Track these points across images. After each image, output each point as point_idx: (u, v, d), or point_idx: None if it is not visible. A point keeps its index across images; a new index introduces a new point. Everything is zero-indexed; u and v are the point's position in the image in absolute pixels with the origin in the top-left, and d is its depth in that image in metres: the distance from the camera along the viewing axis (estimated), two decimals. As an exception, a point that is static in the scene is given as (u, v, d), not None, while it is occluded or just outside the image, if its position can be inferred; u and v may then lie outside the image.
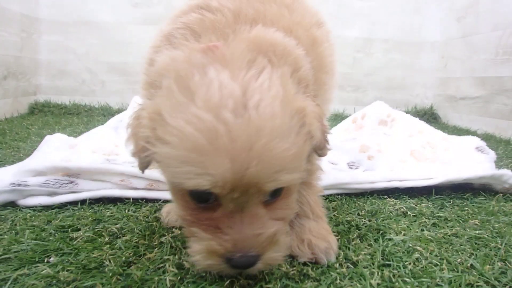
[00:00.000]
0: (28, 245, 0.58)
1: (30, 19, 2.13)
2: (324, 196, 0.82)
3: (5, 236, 0.61)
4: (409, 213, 0.75)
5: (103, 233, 0.63)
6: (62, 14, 2.21)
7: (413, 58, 2.39)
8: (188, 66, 0.45)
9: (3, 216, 0.69)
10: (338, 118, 2.00)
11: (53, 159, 0.86)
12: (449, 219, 0.73)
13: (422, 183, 0.85)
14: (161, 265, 0.53)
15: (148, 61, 0.58)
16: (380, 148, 1.04)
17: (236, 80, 0.42)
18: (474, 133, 1.84)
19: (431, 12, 2.38)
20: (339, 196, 0.85)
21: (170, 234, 0.63)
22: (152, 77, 0.52)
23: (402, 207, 0.77)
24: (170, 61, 0.48)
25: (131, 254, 0.56)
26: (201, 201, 0.45)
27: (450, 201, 0.83)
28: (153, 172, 0.82)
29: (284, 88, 0.45)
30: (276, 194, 0.47)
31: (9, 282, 0.48)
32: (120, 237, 0.62)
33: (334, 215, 0.73)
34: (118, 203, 0.78)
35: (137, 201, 0.79)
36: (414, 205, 0.79)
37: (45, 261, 0.54)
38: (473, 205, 0.81)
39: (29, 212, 0.71)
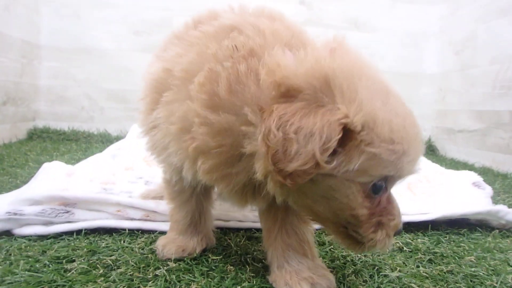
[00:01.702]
0: (22, 277, 0.59)
1: (31, 45, 2.21)
2: (320, 230, 0.83)
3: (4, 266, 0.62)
4: (405, 248, 0.76)
5: (97, 265, 0.64)
6: (63, 40, 2.29)
7: (411, 90, 2.46)
8: (350, 61, 0.48)
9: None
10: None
11: (50, 188, 0.88)
12: (445, 255, 0.74)
13: (418, 218, 0.87)
14: (155, 299, 0.54)
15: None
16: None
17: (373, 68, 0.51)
18: (471, 167, 1.87)
19: (430, 45, 2.47)
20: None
21: (165, 267, 0.64)
22: (292, 81, 0.46)
23: (398, 242, 0.79)
24: (317, 59, 0.47)
25: (125, 287, 0.57)
26: (378, 192, 0.50)
27: (446, 237, 0.84)
28: (149, 203, 0.85)
29: None
30: None
31: (2, 315, 0.49)
32: (114, 269, 0.63)
33: (330, 250, 0.74)
34: (113, 234, 0.79)
35: (133, 232, 0.80)
36: (410, 240, 0.80)
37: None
38: (469, 241, 0.82)
39: (24, 242, 0.73)
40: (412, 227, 0.88)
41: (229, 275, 0.62)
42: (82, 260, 0.65)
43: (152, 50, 0.66)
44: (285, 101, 0.45)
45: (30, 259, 0.65)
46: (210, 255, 0.70)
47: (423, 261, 0.71)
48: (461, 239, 0.84)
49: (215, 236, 0.76)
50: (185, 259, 0.68)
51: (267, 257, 0.63)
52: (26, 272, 0.60)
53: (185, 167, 0.56)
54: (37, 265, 0.63)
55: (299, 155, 0.42)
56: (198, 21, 0.60)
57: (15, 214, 0.77)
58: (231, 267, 0.65)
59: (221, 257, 0.69)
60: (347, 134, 0.44)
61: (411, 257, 0.73)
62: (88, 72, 2.32)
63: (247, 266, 0.66)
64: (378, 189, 0.50)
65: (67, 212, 0.81)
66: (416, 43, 2.48)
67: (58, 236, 0.77)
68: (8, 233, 0.76)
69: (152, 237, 0.78)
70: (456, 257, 0.73)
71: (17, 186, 1.09)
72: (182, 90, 0.53)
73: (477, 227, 0.90)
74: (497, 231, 0.89)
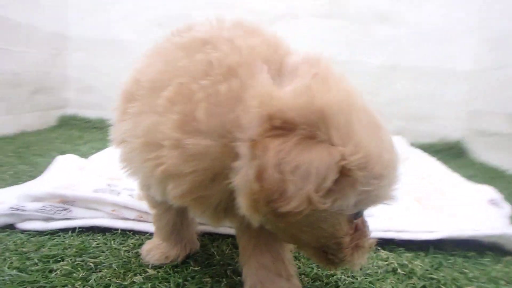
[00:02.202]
0: (8, 275, 0.62)
1: (60, 36, 2.32)
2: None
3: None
4: (399, 270, 0.72)
5: (81, 267, 0.66)
6: (90, 32, 2.39)
7: (441, 88, 2.31)
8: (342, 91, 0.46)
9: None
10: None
11: (53, 185, 0.92)
12: (442, 282, 0.69)
13: (421, 237, 0.82)
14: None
15: None
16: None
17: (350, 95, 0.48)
18: (502, 173, 1.73)
19: (462, 41, 2.29)
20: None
21: (143, 274, 0.65)
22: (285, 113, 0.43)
23: (393, 263, 0.75)
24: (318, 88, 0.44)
25: (101, 293, 0.58)
26: (357, 217, 0.51)
27: (450, 259, 0.79)
28: (143, 204, 0.86)
29: None
30: None
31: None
32: (96, 272, 0.65)
33: (316, 267, 0.72)
34: (106, 234, 0.81)
35: (125, 232, 0.82)
36: (407, 262, 0.76)
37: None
38: (475, 267, 0.77)
39: (21, 238, 0.76)
40: (415, 245, 0.83)
41: (203, 288, 0.62)
42: (69, 261, 0.68)
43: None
44: (278, 135, 0.42)
45: (22, 256, 0.69)
46: (191, 263, 0.70)
47: (416, 287, 0.67)
48: (466, 263, 0.78)
49: (200, 241, 0.76)
50: (165, 266, 0.68)
51: (242, 275, 0.61)
52: (14, 271, 0.63)
53: (152, 187, 0.55)
54: (27, 263, 0.66)
55: (295, 197, 0.40)
56: (176, 33, 0.59)
57: (17, 209, 0.81)
58: (209, 278, 0.65)
59: (201, 267, 0.69)
60: (342, 172, 0.42)
61: (403, 281, 0.69)
62: (114, 63, 2.38)
63: (224, 279, 0.65)
64: (357, 215, 0.51)
65: (65, 209, 0.84)
66: (447, 39, 2.31)
67: (55, 232, 0.80)
68: (11, 227, 0.81)
69: (142, 239, 0.79)
70: (455, 286, 0.69)
71: (33, 177, 1.15)
72: (148, 101, 0.52)
73: (489, 250, 0.84)
74: (511, 257, 0.82)
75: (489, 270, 0.75)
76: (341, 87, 0.46)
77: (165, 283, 0.63)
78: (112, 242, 0.77)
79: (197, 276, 0.66)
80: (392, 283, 0.68)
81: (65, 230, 0.81)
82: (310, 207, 0.41)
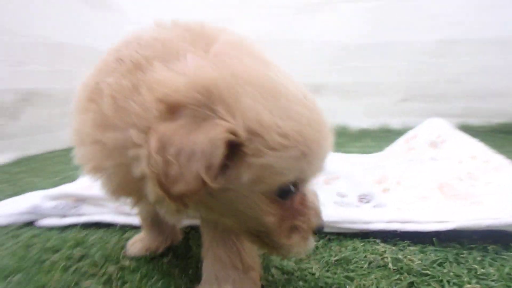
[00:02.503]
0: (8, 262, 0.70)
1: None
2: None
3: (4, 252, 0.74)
4: (390, 265, 0.64)
5: (68, 258, 0.71)
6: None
7: (497, 59, 1.98)
8: (239, 66, 0.44)
9: (16, 234, 0.85)
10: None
11: (70, 186, 1.01)
12: (438, 279, 0.59)
13: (428, 228, 0.71)
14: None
15: None
16: (400, 180, 0.90)
17: (284, 74, 0.46)
18: None
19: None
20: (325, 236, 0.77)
21: (118, 265, 0.68)
22: (170, 97, 0.42)
23: (387, 257, 0.66)
24: (201, 69, 0.44)
25: (72, 280, 0.62)
26: (287, 196, 0.47)
27: (462, 254, 0.66)
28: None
29: None
30: None
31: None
32: (78, 262, 0.69)
33: (294, 260, 0.67)
34: (110, 228, 0.87)
35: (125, 227, 0.87)
36: (403, 257, 0.66)
37: (7, 280, 0.64)
38: (491, 262, 0.63)
39: (34, 233, 0.85)
40: (426, 239, 0.72)
41: (164, 279, 0.62)
42: (63, 253, 0.74)
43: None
44: (165, 119, 0.41)
45: (28, 247, 0.77)
46: (168, 255, 0.71)
47: (399, 284, 0.58)
48: (481, 258, 0.65)
49: (184, 234, 0.77)
50: (141, 258, 0.70)
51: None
52: (15, 259, 0.71)
53: (98, 183, 0.57)
54: (29, 254, 0.74)
55: (182, 177, 0.39)
56: None
57: (36, 207, 0.91)
58: (176, 269, 0.66)
59: (174, 259, 0.70)
60: (235, 147, 0.40)
61: (389, 277, 0.60)
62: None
63: (190, 271, 0.65)
64: (285, 193, 0.46)
65: (75, 207, 0.92)
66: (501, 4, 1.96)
67: (67, 228, 0.88)
68: (31, 224, 0.91)
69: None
70: (453, 283, 0.58)
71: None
72: (78, 104, 0.54)
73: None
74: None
75: (506, 266, 0.62)
76: (233, 61, 0.43)
77: (134, 274, 0.65)
78: (110, 236, 0.82)
79: (165, 268, 0.67)
80: (376, 279, 0.60)
81: (79, 226, 0.89)
82: (204, 186, 0.39)
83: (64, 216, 0.91)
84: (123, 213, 0.90)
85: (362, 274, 0.62)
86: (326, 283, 0.60)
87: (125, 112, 0.46)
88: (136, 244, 0.74)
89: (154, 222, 0.74)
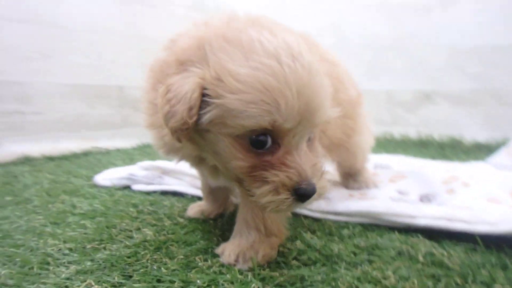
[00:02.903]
0: (89, 205, 0.90)
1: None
2: (344, 222, 0.78)
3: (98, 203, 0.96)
4: (418, 257, 0.61)
5: (139, 211, 0.88)
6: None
7: None
8: (229, 29, 0.53)
9: (112, 193, 1.07)
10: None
11: (159, 161, 1.21)
12: (465, 275, 0.54)
13: (477, 228, 0.65)
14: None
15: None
16: (469, 181, 0.82)
17: (276, 37, 0.52)
18: None
19: None
20: (363, 227, 0.76)
21: (174, 221, 0.81)
22: (181, 55, 0.54)
23: (420, 250, 0.63)
24: (204, 32, 0.54)
25: (137, 226, 0.77)
26: (260, 147, 0.52)
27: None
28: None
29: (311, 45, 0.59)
30: (309, 138, 0.57)
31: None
32: (145, 215, 0.85)
33: (325, 241, 0.69)
34: (182, 196, 1.02)
35: (194, 197, 1.01)
36: (437, 253, 0.62)
37: (93, 220, 0.83)
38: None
39: (125, 193, 1.06)
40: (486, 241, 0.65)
41: (202, 234, 0.72)
42: (138, 208, 0.91)
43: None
44: (177, 73, 0.53)
45: (110, 199, 0.97)
46: (216, 220, 0.81)
47: (418, 273, 0.56)
48: None
49: (234, 206, 0.87)
50: (196, 219, 0.83)
51: None
52: (96, 204, 0.91)
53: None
54: (111, 203, 0.93)
55: (174, 115, 0.50)
56: None
57: (132, 175, 1.13)
58: (216, 229, 0.75)
59: (219, 223, 0.79)
60: (203, 90, 0.50)
61: (411, 266, 0.58)
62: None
63: (225, 232, 0.73)
64: (259, 143, 0.51)
65: (160, 177, 1.11)
66: None
67: (151, 192, 1.07)
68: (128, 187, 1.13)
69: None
70: (478, 282, 0.52)
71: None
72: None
73: None
74: None
75: None
76: (223, 24, 0.54)
77: (182, 228, 0.76)
78: (179, 202, 0.97)
79: (207, 227, 0.77)
80: (398, 266, 0.58)
81: (157, 191, 1.07)
82: (187, 125, 0.49)
83: (151, 183, 1.11)
84: (195, 186, 1.04)
85: (385, 260, 0.61)
86: (341, 258, 0.61)
87: (164, 76, 0.57)
88: (194, 208, 0.87)
89: (211, 191, 0.86)
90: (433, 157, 1.63)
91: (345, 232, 0.74)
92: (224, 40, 0.51)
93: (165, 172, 1.13)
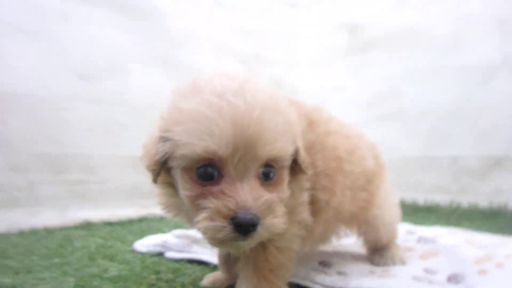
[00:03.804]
0: (125, 272, 0.97)
1: None
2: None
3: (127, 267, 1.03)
4: None
5: (159, 278, 0.93)
6: None
7: None
8: (200, 79, 0.61)
9: (145, 259, 1.14)
10: None
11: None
12: None
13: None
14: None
15: None
16: (504, 262, 0.73)
17: (233, 81, 0.58)
18: None
19: None
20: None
21: None
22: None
23: None
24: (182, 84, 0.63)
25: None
26: (207, 178, 0.56)
27: None
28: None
29: (276, 94, 0.61)
30: (269, 177, 0.58)
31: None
32: (162, 283, 0.89)
33: None
34: (207, 265, 1.05)
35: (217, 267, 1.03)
36: None
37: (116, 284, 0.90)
38: None
39: (154, 260, 1.12)
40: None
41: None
42: (159, 275, 0.96)
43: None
44: None
45: (139, 264, 1.04)
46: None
47: None
48: None
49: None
50: None
51: None
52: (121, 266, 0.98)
53: None
54: (136, 267, 1.00)
55: (145, 156, 0.62)
56: None
57: (165, 242, 1.20)
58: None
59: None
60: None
61: None
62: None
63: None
64: (205, 175, 0.56)
65: (189, 245, 1.16)
66: None
67: (179, 260, 1.12)
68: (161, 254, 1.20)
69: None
70: None
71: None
72: None
73: None
74: None
75: None
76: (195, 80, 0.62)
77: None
78: (200, 270, 1.00)
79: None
80: None
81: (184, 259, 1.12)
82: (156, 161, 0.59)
83: (181, 251, 1.16)
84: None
85: None
86: None
87: None
88: (210, 278, 0.90)
89: (224, 262, 0.88)
90: (502, 229, 1.46)
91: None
92: (189, 87, 0.59)
93: (194, 240, 1.18)
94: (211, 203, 0.53)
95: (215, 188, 0.55)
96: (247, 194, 0.53)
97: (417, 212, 2.05)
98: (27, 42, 1.67)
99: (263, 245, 0.66)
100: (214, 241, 0.54)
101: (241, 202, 0.52)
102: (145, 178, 0.67)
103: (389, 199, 0.93)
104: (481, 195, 2.12)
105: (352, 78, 2.76)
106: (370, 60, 2.67)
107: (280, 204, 0.57)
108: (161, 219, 1.98)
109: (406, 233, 1.24)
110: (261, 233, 0.53)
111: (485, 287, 0.70)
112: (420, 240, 1.21)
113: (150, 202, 2.09)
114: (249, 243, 0.55)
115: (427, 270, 0.85)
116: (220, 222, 0.52)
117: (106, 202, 1.87)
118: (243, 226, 0.51)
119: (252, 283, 0.67)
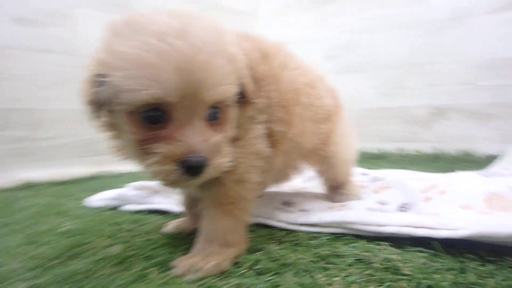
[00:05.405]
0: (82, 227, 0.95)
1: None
2: (318, 233, 0.78)
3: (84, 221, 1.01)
4: (375, 264, 0.60)
5: (118, 229, 0.91)
6: None
7: None
8: (136, 16, 0.56)
9: (100, 213, 1.11)
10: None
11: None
12: (412, 279, 0.54)
13: (440, 234, 0.64)
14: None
15: None
16: (446, 189, 0.81)
17: (175, 19, 0.54)
18: None
19: None
20: (334, 236, 0.76)
21: (148, 236, 0.84)
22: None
23: (378, 256, 0.63)
24: (116, 20, 0.56)
25: (110, 243, 0.81)
26: (153, 122, 0.55)
27: (473, 265, 0.57)
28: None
29: (220, 31, 0.58)
30: (215, 117, 0.58)
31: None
32: (122, 233, 0.88)
33: (287, 251, 0.69)
34: (169, 215, 1.05)
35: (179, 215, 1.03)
36: (396, 259, 0.61)
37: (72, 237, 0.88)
38: (496, 273, 0.53)
39: (118, 214, 1.10)
40: (455, 248, 0.63)
41: (167, 247, 0.75)
42: (119, 226, 0.94)
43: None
44: None
45: (94, 219, 1.01)
46: (190, 235, 0.84)
47: (366, 278, 0.55)
48: (485, 268, 0.55)
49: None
50: (170, 234, 0.86)
51: None
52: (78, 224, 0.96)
53: None
54: (92, 223, 0.98)
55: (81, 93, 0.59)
56: None
57: (121, 195, 1.18)
58: (181, 242, 0.77)
59: (190, 237, 0.82)
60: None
61: (362, 272, 0.58)
62: None
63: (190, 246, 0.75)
64: (151, 118, 0.54)
65: (149, 196, 1.15)
66: None
67: (139, 212, 1.10)
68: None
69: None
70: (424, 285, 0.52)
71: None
72: None
73: None
74: None
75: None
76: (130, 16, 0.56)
77: (152, 243, 0.79)
78: (162, 219, 1.00)
79: (175, 241, 0.80)
80: (350, 272, 0.58)
81: (145, 210, 1.11)
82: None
83: (141, 203, 1.15)
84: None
85: (341, 268, 0.61)
86: (295, 266, 0.62)
87: None
88: (172, 224, 0.90)
89: (191, 206, 0.89)
90: (442, 170, 1.59)
91: (314, 242, 0.74)
92: (126, 26, 0.54)
93: (156, 191, 1.17)
94: (161, 148, 0.53)
95: (163, 132, 0.54)
96: (196, 137, 0.54)
97: (370, 159, 2.17)
98: None
99: (220, 180, 0.66)
100: (165, 182, 0.56)
101: (191, 146, 0.53)
102: (99, 133, 0.63)
103: (347, 138, 0.97)
104: (427, 143, 2.30)
105: (311, 31, 2.76)
106: (331, 13, 2.69)
107: (226, 143, 0.59)
108: (120, 175, 1.91)
109: (360, 175, 1.32)
110: (210, 172, 0.56)
111: (430, 211, 0.77)
112: (373, 179, 1.30)
113: (105, 159, 2.02)
114: (199, 181, 0.56)
115: (380, 202, 0.91)
116: (171, 166, 0.53)
117: (55, 160, 1.78)
118: (194, 168, 0.53)
119: (214, 218, 0.68)
